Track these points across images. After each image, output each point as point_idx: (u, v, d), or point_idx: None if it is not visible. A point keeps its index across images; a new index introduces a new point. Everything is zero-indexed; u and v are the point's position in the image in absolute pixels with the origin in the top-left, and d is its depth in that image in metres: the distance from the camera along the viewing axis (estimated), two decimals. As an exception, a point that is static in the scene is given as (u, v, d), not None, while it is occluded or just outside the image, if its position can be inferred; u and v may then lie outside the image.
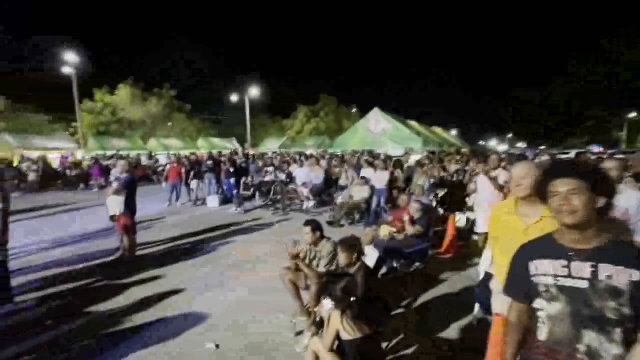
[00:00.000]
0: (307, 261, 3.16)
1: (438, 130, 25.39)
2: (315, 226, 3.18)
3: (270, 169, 10.82)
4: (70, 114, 23.56)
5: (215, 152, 14.32)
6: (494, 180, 4.47)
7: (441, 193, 7.59)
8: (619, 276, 1.07)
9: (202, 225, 6.99)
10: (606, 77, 26.52)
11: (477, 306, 3.09)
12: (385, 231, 4.55)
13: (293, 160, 13.13)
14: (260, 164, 12.29)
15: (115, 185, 4.86)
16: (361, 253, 2.67)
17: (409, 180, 7.75)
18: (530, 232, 1.77)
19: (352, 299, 2.16)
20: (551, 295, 1.16)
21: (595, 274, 1.10)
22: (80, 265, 4.74)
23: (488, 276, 2.51)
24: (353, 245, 2.59)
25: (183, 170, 9.73)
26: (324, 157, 13.53)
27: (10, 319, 3.27)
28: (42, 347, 2.83)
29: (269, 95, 38.96)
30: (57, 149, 20.61)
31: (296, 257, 3.03)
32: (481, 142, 66.44)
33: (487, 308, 2.59)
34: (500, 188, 4.32)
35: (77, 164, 16.12)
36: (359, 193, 7.17)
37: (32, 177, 13.36)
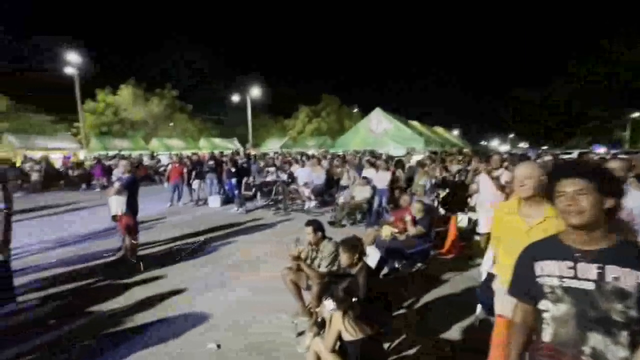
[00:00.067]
0: (308, 261, 3.15)
1: (440, 130, 25.39)
2: (317, 226, 3.18)
3: (272, 169, 10.82)
4: (72, 114, 23.66)
5: (216, 152, 14.33)
6: (495, 179, 4.45)
7: (443, 193, 7.57)
8: (626, 278, 1.06)
9: (203, 225, 7.00)
10: (606, 77, 26.50)
11: (479, 307, 3.07)
12: (386, 231, 4.54)
13: (294, 160, 13.12)
14: (262, 164, 12.29)
15: (117, 185, 4.86)
16: (363, 253, 2.66)
17: (410, 180, 7.73)
18: (533, 232, 1.76)
19: (353, 299, 2.15)
20: (556, 296, 1.15)
21: (601, 275, 1.09)
22: (82, 265, 4.75)
23: (490, 277, 2.49)
24: (355, 246, 2.58)
25: (185, 170, 9.74)
26: (326, 157, 13.53)
27: (12, 319, 3.27)
28: (43, 347, 2.84)
29: (270, 95, 39.12)
30: (59, 149, 20.70)
31: (297, 257, 3.02)
32: (483, 142, 66.35)
33: (489, 309, 2.58)
34: (502, 188, 4.30)
35: (79, 164, 16.18)
36: (361, 193, 7.16)
37: (34, 177, 13.41)
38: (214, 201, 9.41)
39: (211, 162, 9.91)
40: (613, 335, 1.05)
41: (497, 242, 2.07)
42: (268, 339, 2.89)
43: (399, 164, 8.67)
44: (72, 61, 19.24)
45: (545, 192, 1.27)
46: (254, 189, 10.02)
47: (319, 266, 3.13)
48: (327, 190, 9.25)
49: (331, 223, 6.85)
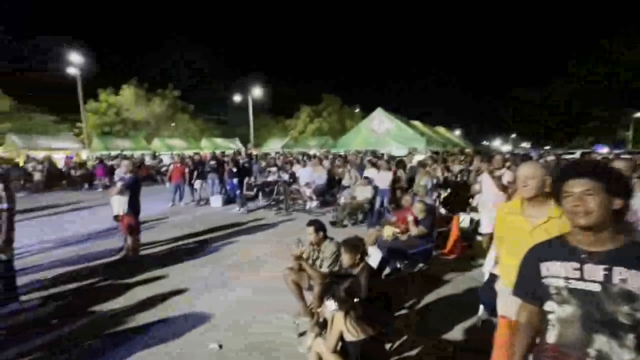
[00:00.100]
0: (309, 261, 3.15)
1: (441, 130, 25.33)
2: (318, 226, 3.18)
3: (273, 169, 10.83)
4: (75, 114, 23.74)
5: (218, 152, 14.36)
6: (496, 178, 4.43)
7: (444, 193, 7.56)
8: (633, 280, 1.04)
9: (205, 225, 7.01)
10: (606, 77, 26.44)
11: (481, 307, 3.06)
12: (388, 231, 4.53)
13: (296, 160, 13.13)
14: (263, 164, 12.31)
15: (119, 185, 4.87)
16: (364, 253, 2.65)
17: (411, 180, 7.72)
18: (536, 233, 1.75)
19: (355, 299, 2.15)
20: (562, 297, 1.14)
21: (608, 277, 1.07)
22: (84, 265, 4.76)
23: (493, 277, 2.49)
24: (356, 246, 2.57)
25: (186, 170, 9.75)
26: (327, 157, 13.52)
27: (13, 319, 3.28)
28: (45, 346, 2.84)
29: (271, 95, 39.10)
30: (61, 149, 20.78)
31: (299, 257, 3.02)
32: (485, 142, 66.11)
33: (491, 309, 2.57)
34: (504, 188, 4.29)
35: (81, 164, 16.24)
36: (362, 193, 7.15)
37: (37, 177, 13.47)
38: (216, 201, 9.42)
39: (213, 162, 9.93)
40: (619, 337, 1.04)
41: (500, 242, 2.06)
42: (269, 339, 2.88)
43: (400, 164, 8.66)
44: (75, 61, 19.33)
45: (552, 193, 1.25)
46: (255, 189, 10.03)
47: (320, 266, 3.12)
48: (329, 191, 9.25)
49: (333, 223, 6.85)
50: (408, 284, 3.97)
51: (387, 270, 4.21)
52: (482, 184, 4.80)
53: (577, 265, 1.13)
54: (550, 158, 9.78)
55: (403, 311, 3.38)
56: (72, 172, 14.94)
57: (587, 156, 9.91)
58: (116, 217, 4.92)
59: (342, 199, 7.48)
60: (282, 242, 5.66)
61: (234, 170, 8.85)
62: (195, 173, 10.02)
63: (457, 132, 35.73)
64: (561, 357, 1.14)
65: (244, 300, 3.63)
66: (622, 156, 8.29)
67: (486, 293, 2.57)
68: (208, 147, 28.27)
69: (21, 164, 14.70)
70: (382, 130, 17.00)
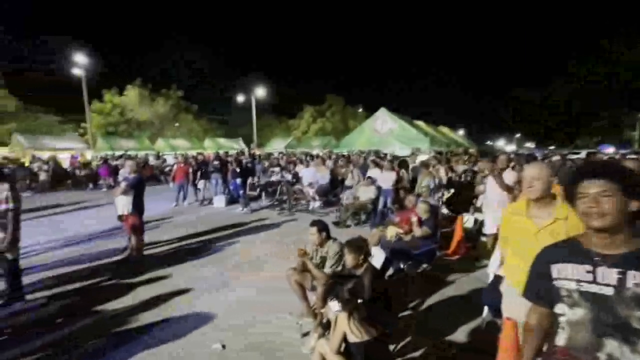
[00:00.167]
0: (314, 261, 3.15)
1: (445, 130, 25.17)
2: (322, 226, 3.17)
3: (276, 169, 10.85)
4: (79, 114, 23.94)
5: (221, 152, 14.40)
6: (498, 177, 4.40)
7: (447, 194, 7.52)
8: None
9: (208, 225, 7.03)
10: (606, 77, 26.27)
11: (485, 309, 3.04)
12: (392, 232, 4.52)
13: (299, 160, 13.14)
14: (266, 164, 12.35)
15: (123, 185, 4.89)
16: (368, 254, 2.64)
17: (414, 180, 7.69)
18: (542, 234, 1.73)
19: (359, 300, 2.14)
20: (573, 300, 1.12)
21: (622, 281, 1.05)
22: (87, 265, 4.79)
23: (497, 278, 2.47)
24: (360, 247, 2.57)
25: (190, 171, 9.81)
26: (330, 157, 13.52)
27: (16, 318, 3.30)
28: (46, 346, 2.85)
29: (274, 95, 39.15)
30: (66, 149, 20.93)
31: (305, 253, 3.02)
32: (488, 142, 65.67)
33: (496, 310, 2.55)
34: (508, 188, 4.26)
35: (86, 164, 16.36)
36: (365, 193, 7.14)
37: (42, 176, 13.58)
38: (219, 201, 9.45)
39: (216, 162, 9.95)
40: (631, 343, 1.02)
41: (505, 243, 2.05)
42: (271, 339, 2.88)
43: (403, 164, 8.63)
44: (80, 62, 19.48)
45: (566, 194, 1.23)
46: (258, 189, 10.05)
47: (323, 267, 3.12)
48: (332, 191, 9.24)
49: (336, 223, 6.84)
50: (408, 285, 3.95)
51: (390, 271, 4.20)
52: (487, 184, 4.77)
53: (589, 268, 1.11)
54: (556, 158, 9.69)
55: (407, 312, 3.36)
56: (77, 172, 15.06)
57: (593, 156, 9.80)
58: (120, 217, 4.94)
59: (345, 199, 7.47)
60: (285, 243, 5.67)
61: (237, 170, 8.87)
62: (199, 173, 10.07)
63: (461, 132, 35.52)
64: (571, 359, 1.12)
65: (248, 300, 3.63)
66: (629, 156, 8.21)
67: (491, 294, 2.56)
68: (211, 147, 28.32)
69: (27, 164, 14.84)
70: (385, 130, 16.92)
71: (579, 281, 1.12)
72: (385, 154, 13.50)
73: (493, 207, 4.47)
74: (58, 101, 28.96)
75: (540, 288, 1.25)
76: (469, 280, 4.09)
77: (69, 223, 7.51)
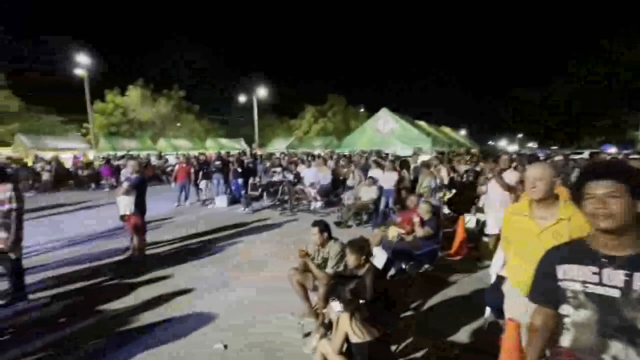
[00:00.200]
0: (315, 262, 3.15)
1: (447, 130, 25.11)
2: (323, 227, 3.17)
3: (278, 169, 10.85)
4: (82, 114, 24.01)
5: (223, 152, 14.42)
6: (499, 177, 4.39)
7: (449, 194, 7.50)
8: None
9: (209, 225, 7.04)
10: (606, 77, 26.16)
11: (487, 309, 3.03)
12: (393, 232, 4.51)
13: (300, 160, 13.14)
14: (268, 164, 12.35)
15: (125, 185, 4.91)
16: (370, 254, 2.64)
17: (415, 180, 7.67)
18: (545, 235, 1.73)
19: (360, 301, 2.14)
20: (578, 301, 1.11)
21: (629, 283, 1.04)
22: (89, 265, 4.80)
23: (500, 279, 2.46)
24: (362, 247, 2.56)
25: (192, 171, 9.82)
26: (332, 157, 13.51)
27: (18, 318, 3.31)
28: (48, 346, 2.86)
29: (276, 95, 39.19)
30: (69, 149, 21.01)
31: (306, 254, 3.02)
32: (490, 142, 65.51)
33: (498, 311, 2.54)
34: (509, 188, 4.24)
35: (88, 164, 16.42)
36: (367, 193, 7.13)
37: (45, 177, 13.64)
38: (221, 201, 9.46)
39: (218, 162, 9.97)
40: (637, 345, 1.01)
41: (507, 243, 2.04)
42: (271, 339, 2.89)
43: (405, 164, 8.61)
44: (82, 62, 19.56)
45: (572, 195, 1.22)
46: (260, 189, 10.05)
47: (324, 267, 3.12)
48: (333, 191, 9.24)
49: (337, 223, 6.84)
50: (413, 286, 3.94)
51: (392, 271, 4.19)
52: (489, 185, 4.75)
53: (595, 269, 1.11)
54: (558, 158, 9.64)
55: (409, 312, 3.36)
56: (80, 172, 15.12)
57: (596, 156, 9.74)
58: (122, 217, 4.95)
59: (347, 199, 7.47)
60: (287, 243, 5.67)
61: (239, 170, 8.88)
62: (201, 173, 10.08)
63: (463, 132, 35.43)
64: None
65: (250, 300, 3.64)
66: (632, 156, 8.17)
67: (493, 295, 2.54)
68: (213, 147, 28.38)
69: (29, 164, 14.90)
70: (387, 130, 16.90)
71: (584, 282, 1.11)
72: (387, 154, 13.47)
73: (495, 208, 4.45)
74: (60, 101, 29.08)
75: (545, 289, 1.24)
76: (471, 281, 4.08)
77: (71, 223, 7.54)
